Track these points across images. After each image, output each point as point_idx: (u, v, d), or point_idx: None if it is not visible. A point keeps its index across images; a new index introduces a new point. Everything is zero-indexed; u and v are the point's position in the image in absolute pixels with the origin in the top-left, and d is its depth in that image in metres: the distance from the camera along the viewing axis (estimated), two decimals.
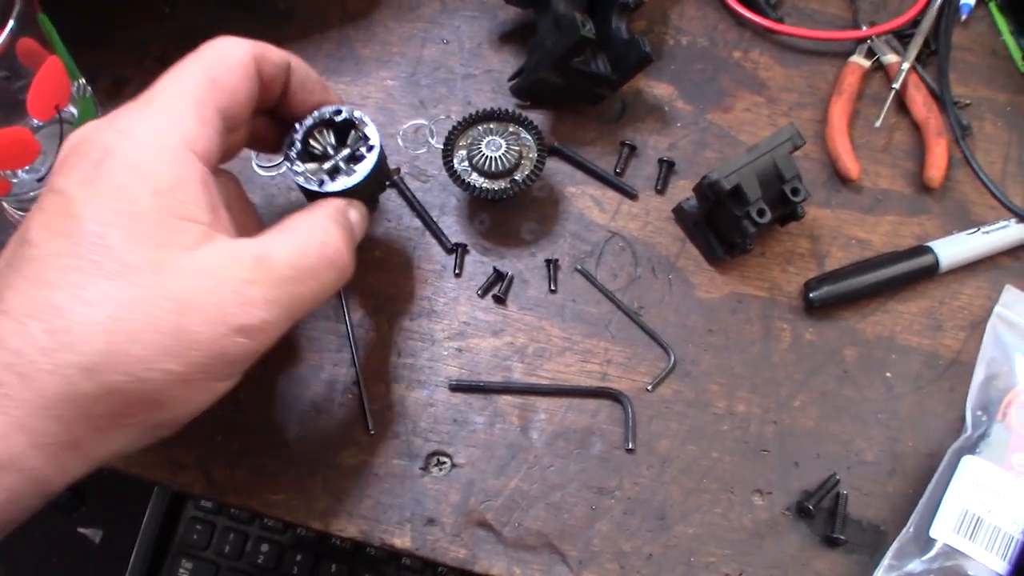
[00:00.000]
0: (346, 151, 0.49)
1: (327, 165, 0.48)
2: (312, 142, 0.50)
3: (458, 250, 0.59)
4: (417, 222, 0.60)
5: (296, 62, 0.48)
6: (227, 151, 0.46)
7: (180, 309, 0.38)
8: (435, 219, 0.60)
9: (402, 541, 0.53)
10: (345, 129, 0.50)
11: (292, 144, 0.49)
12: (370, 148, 0.49)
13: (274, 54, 0.46)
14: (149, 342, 0.37)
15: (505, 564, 0.53)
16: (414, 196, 0.60)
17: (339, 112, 0.50)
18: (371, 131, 0.49)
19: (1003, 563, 0.51)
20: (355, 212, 0.48)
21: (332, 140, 0.50)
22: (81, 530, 1.39)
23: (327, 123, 0.50)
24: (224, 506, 0.84)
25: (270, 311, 0.40)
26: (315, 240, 0.44)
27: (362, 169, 0.48)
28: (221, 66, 0.43)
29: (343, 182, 0.48)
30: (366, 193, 0.50)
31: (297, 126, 0.49)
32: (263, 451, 0.55)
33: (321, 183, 0.48)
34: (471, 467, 0.54)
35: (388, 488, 0.54)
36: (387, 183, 0.54)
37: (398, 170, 0.61)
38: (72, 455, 0.37)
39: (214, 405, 0.55)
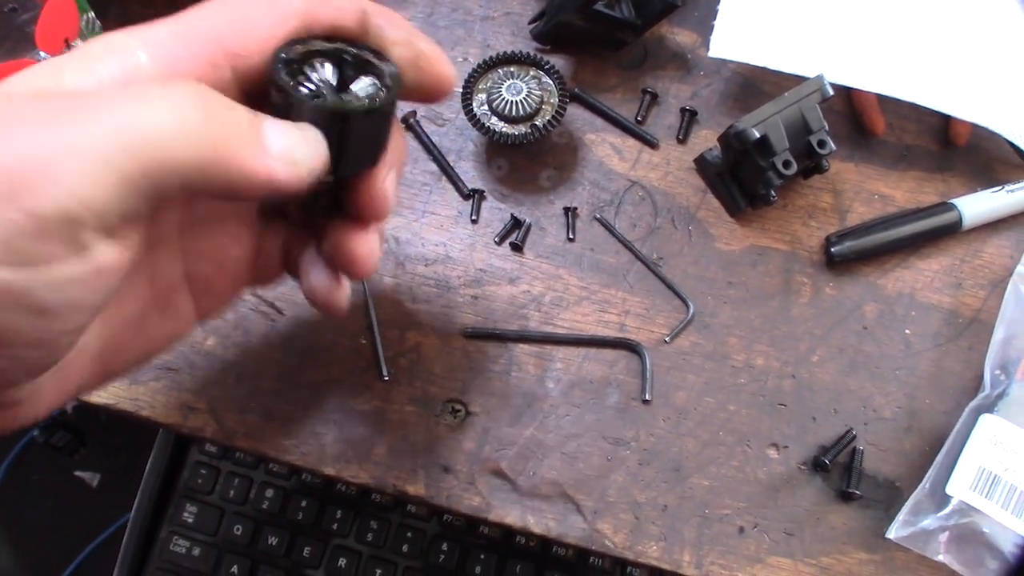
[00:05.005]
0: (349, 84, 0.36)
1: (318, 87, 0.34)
2: (305, 75, 0.35)
3: (475, 196, 0.58)
4: (433, 166, 0.59)
5: (376, 14, 0.36)
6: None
7: None
8: (452, 164, 0.58)
9: (415, 488, 0.53)
10: (356, 68, 0.36)
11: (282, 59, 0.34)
12: (386, 87, 0.35)
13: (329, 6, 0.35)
14: None
15: (519, 513, 0.52)
16: (430, 140, 0.59)
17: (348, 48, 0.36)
18: (390, 70, 0.36)
19: (1019, 521, 0.51)
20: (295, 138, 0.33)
21: (330, 76, 0.35)
22: (78, 474, 1.39)
23: (329, 55, 0.35)
24: (229, 451, 0.84)
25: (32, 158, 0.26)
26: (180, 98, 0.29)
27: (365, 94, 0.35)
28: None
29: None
30: (361, 147, 0.36)
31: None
32: (274, 396, 0.54)
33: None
34: (486, 415, 0.54)
35: (402, 435, 0.54)
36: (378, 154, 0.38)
37: (415, 112, 0.59)
38: None
39: (225, 350, 0.55)
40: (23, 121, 0.27)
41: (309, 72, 0.35)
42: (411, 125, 0.59)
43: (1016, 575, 0.50)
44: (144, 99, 0.29)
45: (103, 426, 1.40)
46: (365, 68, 0.36)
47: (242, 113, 0.31)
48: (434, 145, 0.59)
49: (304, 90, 0.34)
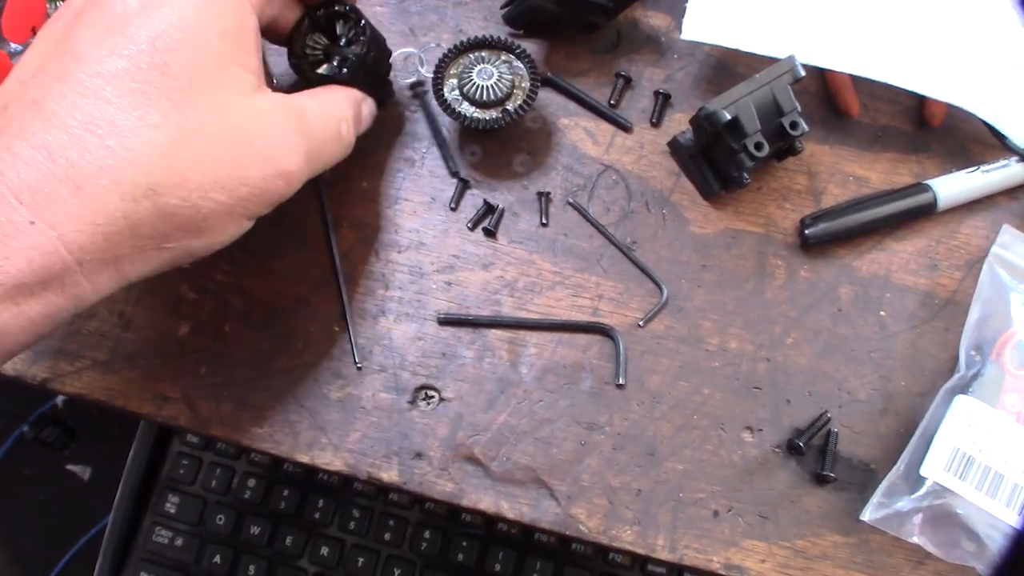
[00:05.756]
0: (343, 40, 0.52)
1: (336, 60, 0.51)
2: (308, 50, 0.51)
3: (459, 184, 0.57)
4: (407, 152, 0.58)
5: None
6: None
7: (237, 146, 0.40)
8: (427, 149, 0.58)
9: (389, 475, 0.53)
10: (329, 24, 0.52)
11: (302, 46, 0.51)
12: (359, 22, 0.51)
13: None
14: (207, 172, 0.39)
15: (493, 498, 0.52)
16: (431, 114, 0.59)
17: (321, 7, 0.51)
18: (355, 11, 0.52)
19: (992, 502, 0.51)
20: (367, 106, 0.52)
21: (324, 40, 0.52)
22: (70, 467, 1.39)
23: (314, 25, 0.52)
24: (210, 441, 0.84)
25: (305, 161, 0.44)
26: (335, 112, 0.48)
27: (361, 45, 0.51)
28: None
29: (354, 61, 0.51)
30: (373, 75, 0.54)
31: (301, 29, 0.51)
32: (248, 384, 0.54)
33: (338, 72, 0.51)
34: (459, 401, 0.54)
35: (375, 422, 0.53)
36: (389, 65, 0.57)
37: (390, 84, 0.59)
38: (109, 273, 0.39)
39: (198, 338, 0.55)
40: (289, 145, 0.44)
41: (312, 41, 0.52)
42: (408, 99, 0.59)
43: (1004, 564, 0.50)
44: (342, 141, 0.49)
45: (93, 420, 1.39)
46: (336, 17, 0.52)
47: (356, 127, 0.51)
48: (433, 118, 0.59)
49: (323, 67, 0.51)
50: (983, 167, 0.58)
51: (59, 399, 1.39)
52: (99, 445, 1.41)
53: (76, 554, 1.31)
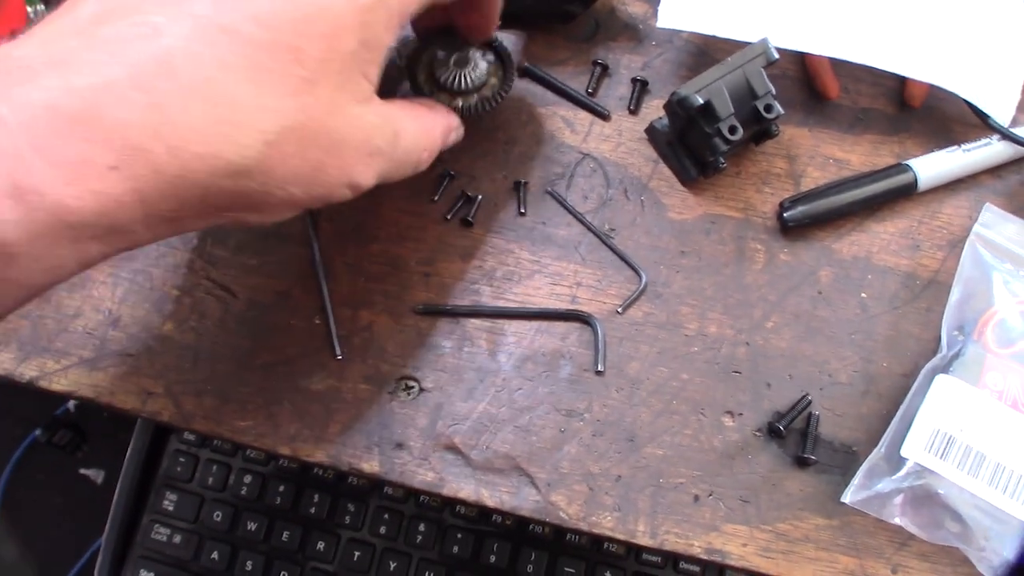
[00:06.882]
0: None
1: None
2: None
3: (445, 178, 0.58)
4: None
5: None
6: None
7: (329, 150, 0.40)
8: None
9: (370, 466, 0.53)
10: None
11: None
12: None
13: None
14: (294, 167, 0.38)
15: (473, 487, 0.52)
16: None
17: None
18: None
19: (974, 481, 0.50)
20: (456, 134, 0.52)
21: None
22: (83, 471, 1.41)
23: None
24: (207, 438, 0.84)
25: (376, 179, 0.43)
26: (425, 139, 0.47)
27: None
28: None
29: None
30: None
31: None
32: (230, 378, 0.55)
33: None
34: (439, 391, 0.54)
35: (356, 413, 0.54)
36: None
37: None
38: (171, 228, 0.38)
39: (182, 334, 0.55)
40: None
41: None
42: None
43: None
44: (416, 168, 0.47)
45: (104, 423, 1.41)
46: None
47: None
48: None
49: None
50: (964, 146, 0.58)
51: (71, 403, 1.40)
52: (111, 449, 1.42)
53: (92, 557, 1.33)
